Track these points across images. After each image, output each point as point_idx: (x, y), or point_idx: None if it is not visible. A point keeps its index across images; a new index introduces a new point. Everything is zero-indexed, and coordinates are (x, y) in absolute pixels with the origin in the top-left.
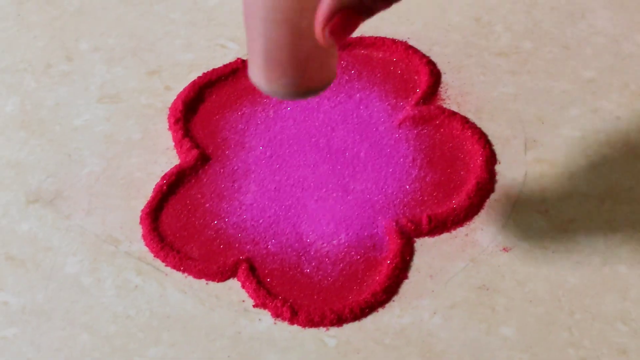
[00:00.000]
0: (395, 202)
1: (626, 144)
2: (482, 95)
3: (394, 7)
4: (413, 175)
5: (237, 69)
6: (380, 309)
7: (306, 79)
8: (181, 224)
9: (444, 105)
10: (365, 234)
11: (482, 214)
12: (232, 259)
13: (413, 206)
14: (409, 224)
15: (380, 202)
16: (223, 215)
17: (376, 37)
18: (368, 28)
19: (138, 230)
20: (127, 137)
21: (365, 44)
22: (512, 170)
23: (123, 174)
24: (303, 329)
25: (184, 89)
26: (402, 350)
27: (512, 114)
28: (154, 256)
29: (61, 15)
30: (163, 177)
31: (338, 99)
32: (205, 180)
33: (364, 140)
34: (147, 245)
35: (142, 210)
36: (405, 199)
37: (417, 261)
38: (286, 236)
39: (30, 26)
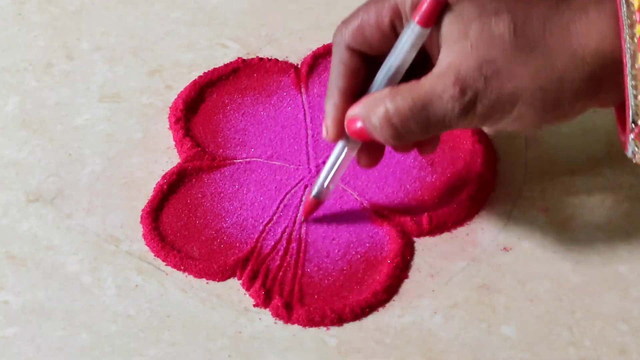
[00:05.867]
0: (395, 201)
1: None
2: None
3: None
4: (413, 175)
5: (238, 68)
6: (380, 309)
7: None
8: (182, 224)
9: None
10: (366, 233)
11: (483, 213)
12: (232, 258)
13: (413, 206)
14: (409, 223)
15: (381, 201)
16: (223, 214)
17: None
18: None
19: (139, 230)
20: (127, 137)
21: None
22: (512, 169)
23: (124, 173)
24: (303, 328)
25: (185, 89)
26: (402, 350)
27: None
28: (155, 255)
29: (62, 14)
30: (164, 177)
31: None
32: (205, 179)
33: None
34: (147, 244)
35: (143, 210)
36: (406, 199)
37: (418, 261)
38: (286, 235)
39: (31, 25)
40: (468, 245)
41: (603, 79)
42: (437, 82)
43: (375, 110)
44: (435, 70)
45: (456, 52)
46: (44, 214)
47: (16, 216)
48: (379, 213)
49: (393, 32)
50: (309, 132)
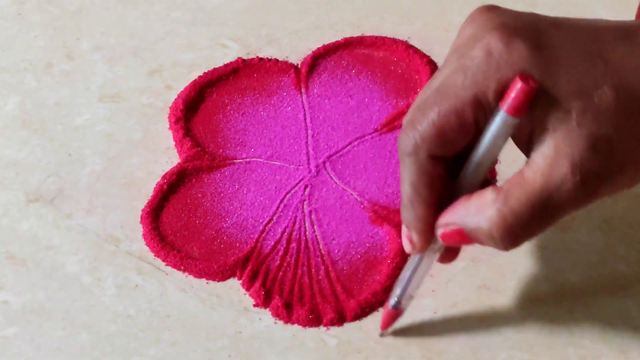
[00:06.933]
0: (395, 201)
1: None
2: None
3: (394, 6)
4: None
5: (238, 68)
6: (380, 309)
7: None
8: (182, 224)
9: None
10: (366, 233)
11: None
12: (232, 258)
13: None
14: None
15: (381, 201)
16: (223, 214)
17: (377, 37)
18: (369, 27)
19: (139, 230)
20: (127, 137)
21: (366, 44)
22: (512, 170)
23: (124, 173)
24: (303, 328)
25: (185, 89)
26: (402, 350)
27: None
28: (155, 255)
29: (62, 14)
30: (164, 177)
31: (338, 98)
32: (205, 179)
33: (365, 140)
34: (147, 244)
35: (143, 210)
36: None
37: None
38: (286, 235)
39: (31, 25)
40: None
41: None
42: (552, 174)
43: (484, 215)
44: (541, 160)
45: (562, 135)
46: (44, 214)
47: (16, 216)
48: (379, 213)
49: (476, 127)
50: (309, 132)
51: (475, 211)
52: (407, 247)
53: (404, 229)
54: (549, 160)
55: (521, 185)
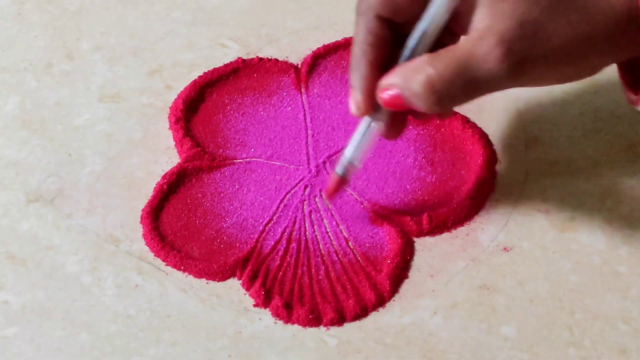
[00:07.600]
0: (395, 201)
1: (626, 144)
2: None
3: None
4: (413, 175)
5: (238, 68)
6: (380, 309)
7: None
8: (182, 224)
9: None
10: (366, 233)
11: (483, 213)
12: (232, 258)
13: (413, 206)
14: (409, 223)
15: (381, 201)
16: (223, 214)
17: None
18: None
19: (139, 230)
20: (127, 137)
21: None
22: (512, 170)
23: (124, 173)
24: (303, 328)
25: (185, 89)
26: (402, 350)
27: (512, 114)
28: (155, 255)
29: (62, 14)
30: (164, 177)
31: (338, 98)
32: (205, 179)
33: None
34: (147, 244)
35: (143, 210)
36: (406, 199)
37: (418, 261)
38: (286, 235)
39: (31, 25)
40: (468, 245)
41: (629, 32)
42: (479, 45)
43: (415, 77)
44: (474, 33)
45: (495, 13)
46: (44, 214)
47: (16, 216)
48: (379, 213)
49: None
50: (309, 132)
51: (410, 72)
52: (352, 109)
53: (350, 92)
54: (479, 33)
55: (452, 52)
